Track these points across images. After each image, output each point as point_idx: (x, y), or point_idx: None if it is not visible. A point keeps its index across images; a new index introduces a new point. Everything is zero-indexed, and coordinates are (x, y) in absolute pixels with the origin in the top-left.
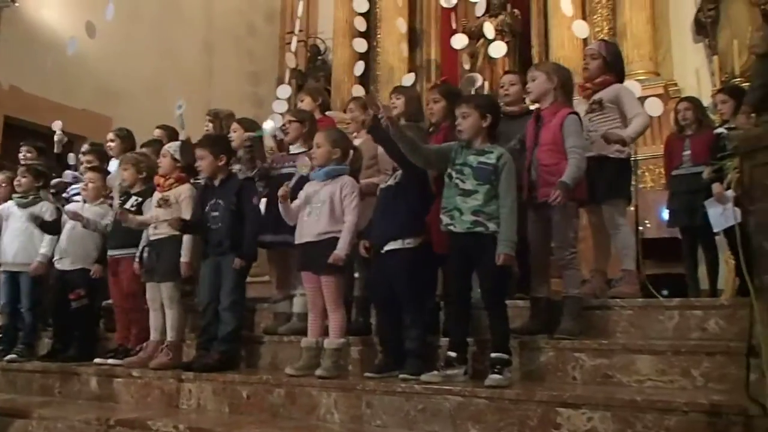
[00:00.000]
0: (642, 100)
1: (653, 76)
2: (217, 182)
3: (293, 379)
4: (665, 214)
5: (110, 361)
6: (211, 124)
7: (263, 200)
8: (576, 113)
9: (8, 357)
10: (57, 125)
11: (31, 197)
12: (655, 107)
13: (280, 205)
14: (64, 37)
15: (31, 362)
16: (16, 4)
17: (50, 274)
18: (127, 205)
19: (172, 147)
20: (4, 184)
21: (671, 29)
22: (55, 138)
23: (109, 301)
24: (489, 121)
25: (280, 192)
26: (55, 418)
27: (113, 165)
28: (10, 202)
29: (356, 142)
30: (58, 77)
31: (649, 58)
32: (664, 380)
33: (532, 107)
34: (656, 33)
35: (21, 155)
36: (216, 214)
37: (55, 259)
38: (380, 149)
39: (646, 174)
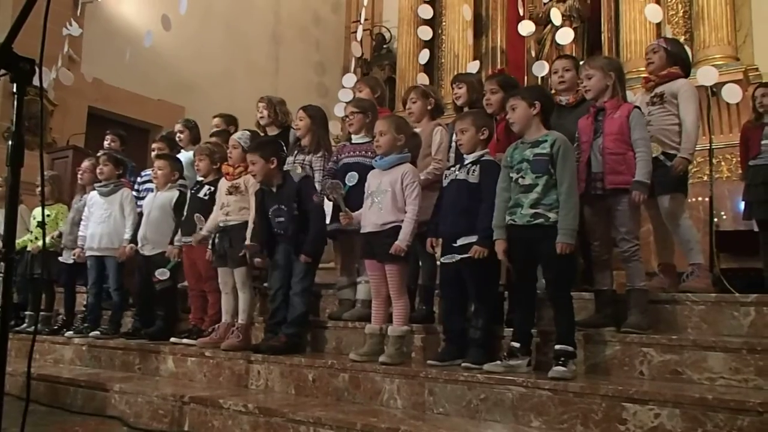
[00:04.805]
0: (719, 86)
1: (732, 61)
2: (274, 188)
3: (357, 365)
4: (741, 206)
5: (185, 340)
6: (266, 111)
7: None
8: (639, 107)
9: (93, 333)
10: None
11: (111, 185)
12: (732, 94)
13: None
14: (141, 30)
15: (114, 339)
16: (98, 0)
17: (135, 259)
18: (201, 194)
19: (241, 138)
20: (88, 171)
21: (752, 11)
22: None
23: (184, 284)
24: (538, 108)
25: (343, 223)
26: (134, 392)
27: (183, 155)
28: (93, 192)
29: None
30: (135, 69)
31: (727, 42)
32: (737, 379)
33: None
34: (736, 15)
35: (106, 143)
36: (281, 219)
37: (138, 246)
38: (437, 141)
39: (722, 164)
